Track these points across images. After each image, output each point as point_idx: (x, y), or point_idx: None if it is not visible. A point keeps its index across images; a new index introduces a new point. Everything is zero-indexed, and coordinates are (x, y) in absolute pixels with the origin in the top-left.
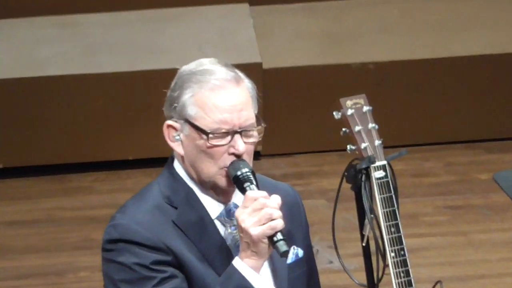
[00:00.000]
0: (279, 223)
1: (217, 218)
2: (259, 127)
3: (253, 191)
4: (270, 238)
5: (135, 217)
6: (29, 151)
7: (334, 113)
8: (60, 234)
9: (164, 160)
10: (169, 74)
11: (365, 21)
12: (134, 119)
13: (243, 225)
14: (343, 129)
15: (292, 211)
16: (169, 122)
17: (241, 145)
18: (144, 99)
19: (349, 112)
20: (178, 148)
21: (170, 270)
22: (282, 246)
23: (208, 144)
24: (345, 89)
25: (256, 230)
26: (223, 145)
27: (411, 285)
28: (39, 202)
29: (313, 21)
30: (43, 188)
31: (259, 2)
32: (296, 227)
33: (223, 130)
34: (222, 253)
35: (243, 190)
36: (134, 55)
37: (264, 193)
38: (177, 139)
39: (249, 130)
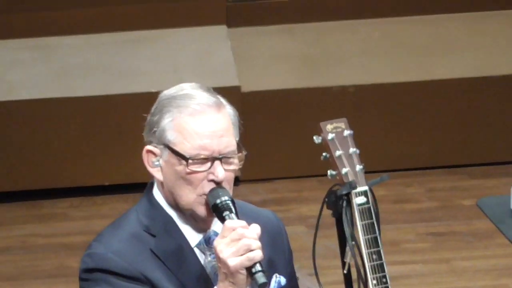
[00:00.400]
0: (258, 254)
1: (197, 246)
2: (240, 154)
3: (231, 221)
4: (249, 269)
5: (112, 246)
6: (1, 177)
7: (314, 137)
8: (34, 261)
9: (141, 185)
10: (145, 97)
11: (346, 44)
12: (110, 144)
13: (221, 255)
14: (324, 154)
15: (275, 239)
16: (148, 147)
17: (221, 172)
18: (120, 123)
19: (330, 136)
20: (157, 174)
21: None
22: (260, 278)
23: (188, 170)
24: (326, 112)
25: (234, 261)
26: (202, 171)
27: None
28: (12, 229)
29: (292, 43)
30: (16, 215)
31: (237, 24)
32: (279, 255)
33: (203, 156)
34: (201, 282)
35: (222, 219)
36: (108, 79)
37: (243, 222)
38: (156, 164)
39: (230, 157)
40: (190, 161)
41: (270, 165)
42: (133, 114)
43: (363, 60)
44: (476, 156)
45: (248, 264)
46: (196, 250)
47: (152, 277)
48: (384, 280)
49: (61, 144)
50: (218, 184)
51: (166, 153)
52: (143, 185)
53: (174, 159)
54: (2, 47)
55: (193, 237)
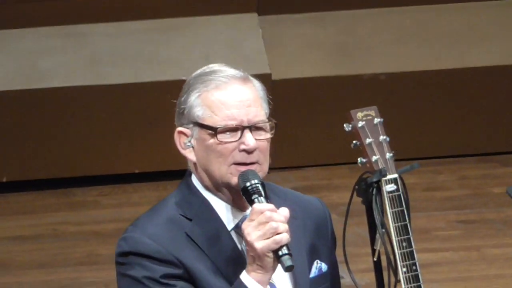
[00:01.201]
0: (284, 237)
1: (234, 229)
2: (270, 122)
3: (259, 204)
4: (275, 252)
5: (147, 230)
6: (33, 165)
7: (344, 125)
8: (64, 249)
9: (171, 173)
10: (176, 85)
11: (377, 31)
12: (140, 132)
13: (248, 238)
14: (354, 142)
15: (319, 226)
16: (179, 128)
17: (251, 140)
18: (151, 111)
19: (360, 124)
20: (190, 155)
21: (180, 284)
22: (287, 261)
23: (217, 141)
24: (356, 100)
25: (260, 244)
26: (232, 141)
27: None
28: (43, 217)
29: (323, 31)
30: (48, 203)
31: (268, 11)
32: (322, 242)
33: (232, 126)
34: (237, 265)
35: (251, 202)
36: (140, 66)
37: (271, 206)
38: (188, 145)
39: (259, 126)
40: (219, 131)
41: (301, 153)
42: (163, 102)
43: (394, 48)
44: (508, 144)
45: (275, 247)
46: (233, 234)
47: (186, 261)
48: (414, 267)
49: (92, 131)
50: (250, 153)
51: (196, 130)
52: (173, 173)
53: (204, 134)
54: (33, 34)
55: (229, 221)
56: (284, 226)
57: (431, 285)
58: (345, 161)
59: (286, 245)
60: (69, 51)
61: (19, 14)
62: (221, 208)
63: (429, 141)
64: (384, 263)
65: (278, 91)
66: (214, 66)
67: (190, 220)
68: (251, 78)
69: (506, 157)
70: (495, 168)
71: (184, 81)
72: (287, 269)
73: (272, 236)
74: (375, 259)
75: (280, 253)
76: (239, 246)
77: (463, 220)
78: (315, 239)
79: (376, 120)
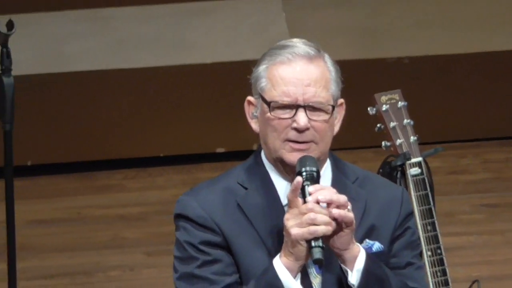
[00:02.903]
0: (320, 229)
1: (287, 205)
2: (328, 106)
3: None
4: (309, 242)
5: (199, 194)
6: (57, 148)
7: (368, 108)
8: (89, 232)
9: (196, 156)
10: (200, 69)
11: (401, 15)
12: (165, 115)
13: (286, 223)
14: (378, 125)
15: (385, 210)
16: (249, 98)
17: (302, 119)
18: (175, 94)
19: (384, 107)
20: (254, 125)
21: (216, 253)
22: (317, 253)
23: (271, 116)
24: (380, 84)
25: (295, 231)
26: (286, 118)
27: (448, 284)
28: (68, 201)
29: (347, 15)
30: (72, 186)
31: None
32: (383, 223)
33: (285, 102)
34: (282, 241)
35: (302, 189)
36: (164, 50)
37: (317, 196)
38: (254, 115)
39: (316, 107)
40: (272, 105)
41: None
42: (188, 86)
43: (418, 31)
44: None
45: (309, 237)
46: (286, 210)
47: (228, 230)
48: (438, 251)
49: (116, 115)
50: (301, 132)
51: (260, 101)
52: (198, 156)
53: (264, 107)
54: (58, 18)
55: (285, 197)
56: (323, 219)
57: (455, 268)
58: (370, 144)
59: (321, 238)
60: (94, 35)
61: None
62: (280, 183)
63: (453, 125)
64: None
65: None
66: (290, 41)
67: (246, 189)
68: (325, 58)
69: None
70: None
71: (207, 65)
72: (315, 261)
73: (308, 226)
74: None
75: (312, 244)
76: None
77: (487, 204)
78: (376, 221)
79: (400, 104)
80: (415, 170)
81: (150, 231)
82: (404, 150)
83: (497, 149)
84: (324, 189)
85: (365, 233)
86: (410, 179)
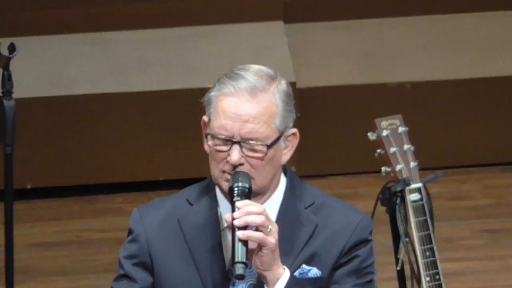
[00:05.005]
0: (256, 219)
1: (227, 228)
2: (260, 144)
3: (239, 202)
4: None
5: (147, 208)
6: (58, 172)
7: (369, 134)
8: (89, 256)
9: (195, 181)
10: (202, 93)
11: (402, 40)
12: (165, 139)
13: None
14: (378, 151)
15: (333, 235)
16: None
17: (234, 156)
18: (176, 118)
19: (385, 133)
20: (205, 145)
21: (130, 268)
22: (239, 269)
23: (211, 145)
24: (381, 109)
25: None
26: (223, 151)
27: None
28: (67, 224)
29: (349, 39)
30: (72, 209)
31: (294, 19)
32: (328, 250)
33: (222, 136)
34: (214, 261)
35: (232, 204)
36: (166, 74)
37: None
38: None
39: (251, 144)
40: (209, 137)
41: (326, 161)
42: (189, 110)
43: (420, 56)
44: None
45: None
46: (226, 231)
47: (157, 250)
48: (437, 277)
49: (117, 139)
50: (234, 167)
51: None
52: (198, 181)
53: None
54: (60, 41)
55: (228, 212)
56: (259, 218)
57: None
58: (370, 169)
59: (246, 254)
60: (95, 58)
61: (46, 21)
62: (225, 204)
63: (454, 151)
64: (407, 272)
65: (303, 99)
66: (243, 69)
67: (192, 205)
68: (275, 90)
69: None
70: None
71: (209, 89)
72: (236, 276)
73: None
74: (398, 268)
75: (235, 259)
76: (223, 242)
77: (487, 229)
78: (320, 248)
79: (401, 129)
80: (414, 196)
81: None
82: (404, 176)
83: (498, 174)
84: (252, 205)
85: (306, 259)
86: (409, 204)
